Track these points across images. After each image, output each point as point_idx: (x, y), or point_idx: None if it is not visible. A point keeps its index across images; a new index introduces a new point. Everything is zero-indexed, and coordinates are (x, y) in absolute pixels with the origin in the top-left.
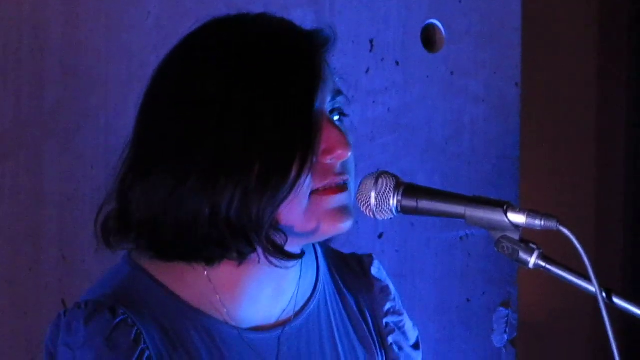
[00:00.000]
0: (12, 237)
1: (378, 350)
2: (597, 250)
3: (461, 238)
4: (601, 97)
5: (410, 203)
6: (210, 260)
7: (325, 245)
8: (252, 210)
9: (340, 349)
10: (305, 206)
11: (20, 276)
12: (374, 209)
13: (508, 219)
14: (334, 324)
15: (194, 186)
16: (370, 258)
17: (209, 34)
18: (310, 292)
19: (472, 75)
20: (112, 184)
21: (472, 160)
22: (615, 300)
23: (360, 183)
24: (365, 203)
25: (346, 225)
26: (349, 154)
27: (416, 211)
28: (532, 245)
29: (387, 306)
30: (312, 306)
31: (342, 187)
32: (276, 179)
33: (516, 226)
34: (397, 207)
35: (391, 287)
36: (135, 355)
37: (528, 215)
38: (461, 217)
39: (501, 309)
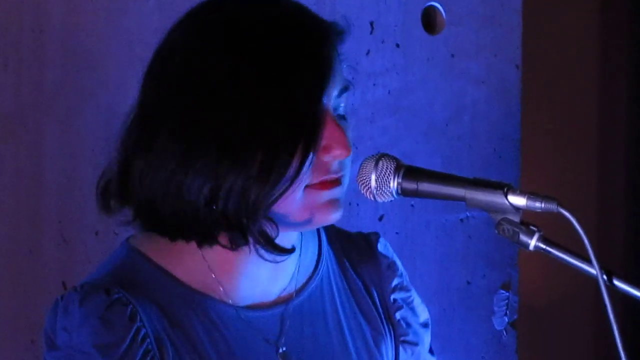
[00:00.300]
0: (13, 218)
1: (385, 326)
2: (598, 233)
3: (462, 220)
4: (603, 79)
5: (410, 185)
6: (201, 243)
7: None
8: (250, 200)
9: (345, 326)
10: (299, 198)
11: (20, 258)
12: (375, 192)
13: (508, 202)
14: (338, 302)
15: (197, 170)
16: (376, 235)
17: (222, 10)
18: (313, 270)
19: (473, 57)
20: (115, 150)
21: (473, 143)
22: (616, 282)
23: (361, 165)
24: (366, 185)
25: (336, 216)
26: (348, 154)
27: (416, 193)
28: (532, 227)
29: (395, 282)
30: (314, 283)
31: (336, 182)
32: (277, 171)
33: (517, 208)
34: (397, 189)
35: (398, 263)
36: (131, 333)
37: (528, 198)
38: (462, 199)
39: (502, 291)
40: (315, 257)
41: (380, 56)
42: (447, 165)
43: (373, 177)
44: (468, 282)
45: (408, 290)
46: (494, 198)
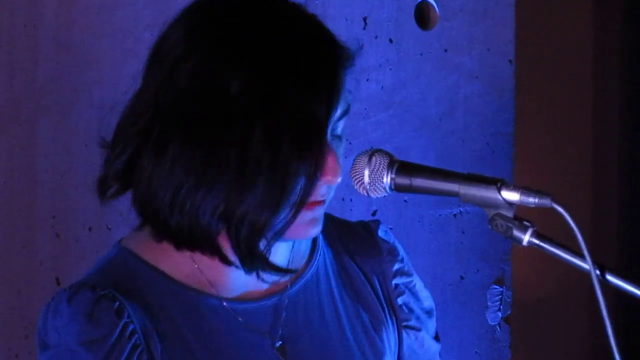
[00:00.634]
0: (6, 214)
1: (387, 313)
2: (592, 229)
3: (455, 215)
4: (596, 73)
5: (404, 181)
6: (203, 254)
7: (326, 213)
8: (260, 224)
9: (343, 315)
10: (284, 217)
11: (14, 254)
12: (368, 187)
13: (502, 197)
14: (335, 291)
15: (214, 191)
16: (376, 223)
17: (237, 12)
18: (308, 259)
19: (466, 52)
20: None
21: (466, 137)
22: (609, 277)
23: (354, 161)
24: (359, 181)
25: (316, 231)
26: (339, 180)
27: (410, 189)
28: (526, 222)
29: (395, 267)
30: (309, 274)
31: (320, 202)
32: (287, 197)
33: (510, 204)
34: (390, 184)
35: (399, 248)
36: (118, 329)
37: (522, 193)
38: (455, 194)
39: (495, 286)
40: (310, 247)
41: (374, 51)
42: (440, 160)
43: (366, 172)
44: (461, 277)
45: (410, 275)
46: (487, 193)
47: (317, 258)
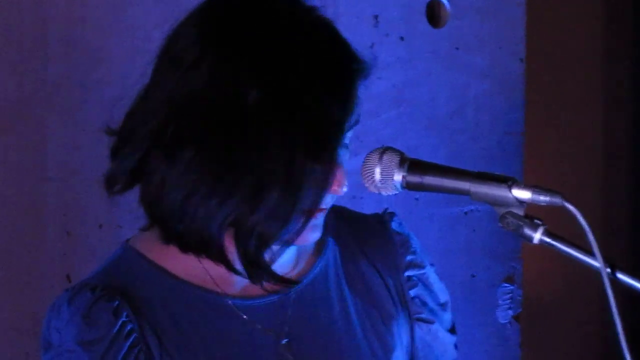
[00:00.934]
0: (17, 212)
1: (398, 306)
2: (602, 227)
3: (465, 213)
4: (607, 72)
5: (415, 179)
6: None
7: (339, 207)
8: (269, 236)
9: (352, 311)
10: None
11: (24, 251)
12: (379, 185)
13: (513, 195)
14: (345, 286)
15: (227, 204)
16: (391, 215)
17: (253, 13)
18: (316, 255)
19: (477, 50)
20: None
21: (477, 136)
22: (620, 275)
23: (365, 158)
24: (370, 179)
25: (316, 237)
26: (345, 191)
27: (421, 187)
28: (536, 221)
29: (408, 258)
30: (317, 269)
31: (323, 209)
32: (298, 210)
33: (521, 202)
34: (402, 182)
35: (413, 240)
36: (115, 329)
37: (533, 191)
38: (466, 193)
39: (505, 284)
40: (317, 244)
41: (385, 49)
42: (450, 159)
43: (377, 170)
44: (472, 276)
45: (422, 267)
46: (498, 191)
47: (326, 254)
